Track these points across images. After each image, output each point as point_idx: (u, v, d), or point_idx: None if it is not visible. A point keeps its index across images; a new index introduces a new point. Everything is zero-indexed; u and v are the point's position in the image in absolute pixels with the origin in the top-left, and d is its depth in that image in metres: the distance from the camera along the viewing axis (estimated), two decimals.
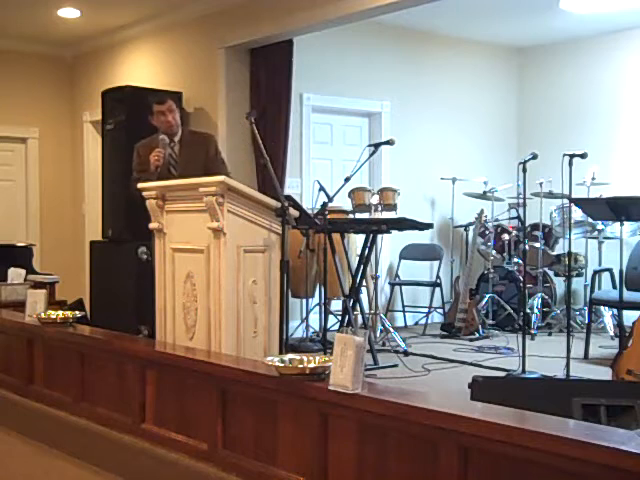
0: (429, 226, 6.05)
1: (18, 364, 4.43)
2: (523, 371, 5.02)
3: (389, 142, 5.72)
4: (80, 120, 8.34)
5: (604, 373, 4.82)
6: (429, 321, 7.39)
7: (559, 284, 7.50)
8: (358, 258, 5.93)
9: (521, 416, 2.31)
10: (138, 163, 4.92)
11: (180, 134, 4.95)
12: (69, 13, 7.07)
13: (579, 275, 7.32)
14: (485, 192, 7.50)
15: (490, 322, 7.16)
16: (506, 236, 7.48)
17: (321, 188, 5.55)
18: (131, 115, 6.60)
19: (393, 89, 7.68)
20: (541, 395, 3.34)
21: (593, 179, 7.08)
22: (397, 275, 7.60)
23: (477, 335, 6.80)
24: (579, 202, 5.68)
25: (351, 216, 6.65)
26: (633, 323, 4.45)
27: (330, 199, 5.09)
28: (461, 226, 7.80)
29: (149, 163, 4.67)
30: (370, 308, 6.44)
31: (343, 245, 6.09)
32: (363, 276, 5.88)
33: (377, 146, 5.77)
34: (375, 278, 6.41)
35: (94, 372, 3.85)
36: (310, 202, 6.17)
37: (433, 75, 7.94)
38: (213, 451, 3.09)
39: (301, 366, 2.82)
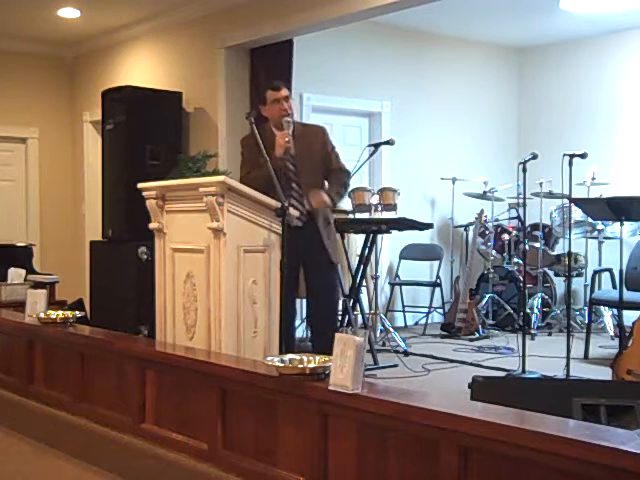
0: (429, 226, 6.05)
1: (18, 364, 4.43)
2: (523, 371, 5.02)
3: (389, 142, 5.73)
4: (80, 120, 8.33)
5: (604, 373, 4.82)
6: (429, 321, 7.39)
7: (559, 284, 7.50)
8: (358, 258, 5.93)
9: (521, 416, 2.31)
10: (248, 156, 4.45)
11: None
12: (69, 13, 7.07)
13: (579, 275, 7.33)
14: (485, 192, 7.50)
15: (490, 322, 7.16)
16: (506, 236, 7.48)
17: None
18: (131, 115, 6.60)
19: (393, 89, 7.68)
20: (541, 395, 3.34)
21: (593, 179, 7.09)
22: (397, 275, 7.60)
23: (477, 335, 6.80)
24: (579, 202, 5.68)
25: (351, 216, 6.65)
26: (633, 323, 4.45)
27: None
28: (461, 226, 7.80)
29: (266, 150, 4.11)
30: (370, 308, 6.44)
31: (343, 245, 6.09)
32: (363, 276, 5.88)
33: (377, 146, 5.77)
34: (375, 278, 6.41)
35: (94, 372, 3.85)
36: None
37: (433, 75, 7.94)
38: (213, 451, 3.09)
39: (301, 366, 2.82)
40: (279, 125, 4.52)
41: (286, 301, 3.83)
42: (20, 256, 6.94)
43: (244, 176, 4.42)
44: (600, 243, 7.24)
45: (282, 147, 4.38)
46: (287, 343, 3.86)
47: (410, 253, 7.63)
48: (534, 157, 5.15)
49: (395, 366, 5.48)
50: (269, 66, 6.53)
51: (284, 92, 4.54)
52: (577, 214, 6.66)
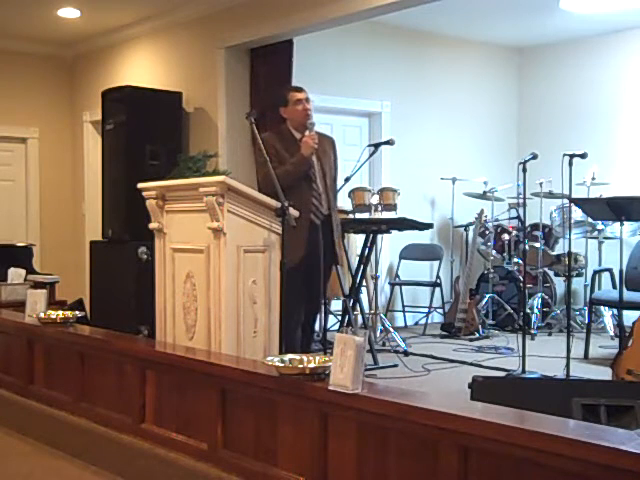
0: (429, 226, 6.05)
1: (18, 364, 4.43)
2: (523, 371, 5.02)
3: (389, 142, 5.73)
4: (80, 120, 8.33)
5: (604, 373, 4.82)
6: (429, 321, 7.39)
7: (559, 284, 7.50)
8: (358, 258, 5.93)
9: (521, 416, 2.31)
10: (272, 154, 4.35)
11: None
12: (69, 13, 7.07)
13: (579, 275, 7.32)
14: (485, 192, 7.50)
15: (490, 322, 7.16)
16: (506, 236, 7.48)
17: None
18: (131, 115, 6.60)
19: (393, 89, 7.68)
20: (541, 395, 3.34)
21: (593, 179, 7.09)
22: (397, 275, 7.60)
23: (477, 335, 6.80)
24: (579, 202, 5.68)
25: (351, 216, 6.65)
26: (633, 323, 4.45)
27: None
28: (461, 226, 7.80)
29: (288, 151, 4.45)
30: (370, 308, 6.44)
31: (343, 245, 6.08)
32: (363, 276, 5.88)
33: (377, 146, 5.78)
34: (375, 278, 6.41)
35: (94, 372, 3.85)
36: None
37: (433, 75, 7.94)
38: (213, 451, 3.09)
39: (301, 366, 2.82)
40: (300, 126, 4.65)
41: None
42: (20, 256, 6.94)
43: (266, 173, 4.32)
44: (600, 243, 7.24)
45: (310, 148, 4.53)
46: (288, 345, 3.86)
47: (410, 253, 7.63)
48: (534, 157, 5.15)
49: (395, 366, 5.48)
50: (269, 66, 6.53)
51: (305, 93, 4.70)
52: (577, 214, 6.66)
